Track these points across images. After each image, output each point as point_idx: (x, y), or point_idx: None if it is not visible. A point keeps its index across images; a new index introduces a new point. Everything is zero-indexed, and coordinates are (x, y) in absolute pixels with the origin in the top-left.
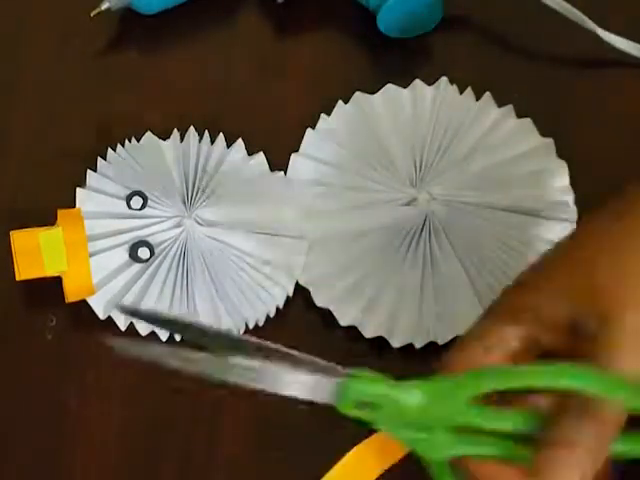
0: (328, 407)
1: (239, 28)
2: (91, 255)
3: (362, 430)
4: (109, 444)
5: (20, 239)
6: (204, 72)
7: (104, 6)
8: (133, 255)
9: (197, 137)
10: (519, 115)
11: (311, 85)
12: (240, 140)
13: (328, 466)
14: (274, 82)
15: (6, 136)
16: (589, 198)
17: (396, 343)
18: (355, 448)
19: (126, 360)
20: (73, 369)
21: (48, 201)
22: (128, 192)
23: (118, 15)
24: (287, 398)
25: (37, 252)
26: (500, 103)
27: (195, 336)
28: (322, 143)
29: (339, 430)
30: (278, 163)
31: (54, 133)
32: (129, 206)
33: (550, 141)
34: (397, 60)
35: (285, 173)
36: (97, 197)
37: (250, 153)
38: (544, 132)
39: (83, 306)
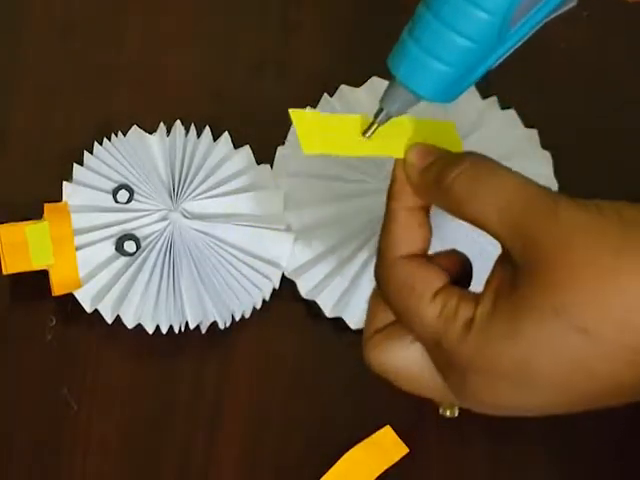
0: (328, 407)
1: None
2: (78, 249)
3: (362, 430)
4: (109, 444)
5: (6, 233)
6: (201, 70)
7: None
8: (119, 248)
9: (183, 130)
10: (503, 106)
11: (300, 79)
12: (226, 133)
13: (328, 466)
14: (263, 77)
15: (3, 135)
16: (573, 188)
17: None
18: (355, 448)
19: (126, 360)
20: (73, 369)
21: (38, 195)
22: (114, 186)
23: (117, 15)
24: (286, 399)
25: (24, 246)
26: (484, 95)
27: None
28: None
29: (339, 430)
30: (265, 156)
31: (52, 132)
32: (115, 200)
33: (534, 131)
34: (382, 53)
35: (271, 166)
36: (84, 191)
37: (237, 146)
38: (528, 123)
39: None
